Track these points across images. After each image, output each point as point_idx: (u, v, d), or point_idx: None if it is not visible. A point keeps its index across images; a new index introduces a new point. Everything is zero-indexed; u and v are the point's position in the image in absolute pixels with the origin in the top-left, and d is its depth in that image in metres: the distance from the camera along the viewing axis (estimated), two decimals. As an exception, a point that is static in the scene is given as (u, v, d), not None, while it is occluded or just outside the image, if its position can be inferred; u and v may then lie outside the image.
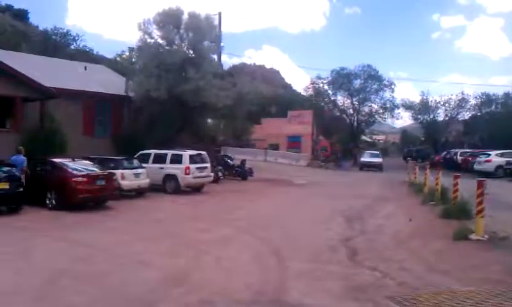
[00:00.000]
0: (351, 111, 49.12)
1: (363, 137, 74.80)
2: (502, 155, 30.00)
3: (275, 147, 41.61)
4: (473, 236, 9.79)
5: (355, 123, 49.64)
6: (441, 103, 49.09)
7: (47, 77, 20.24)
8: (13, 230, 10.75)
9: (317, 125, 52.43)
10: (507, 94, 50.97)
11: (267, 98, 57.06)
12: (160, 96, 22.30)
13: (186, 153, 18.19)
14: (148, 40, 24.78)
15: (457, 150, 39.62)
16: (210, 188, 19.83)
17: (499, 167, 28.90)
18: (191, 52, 24.35)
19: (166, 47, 24.24)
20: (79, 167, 14.27)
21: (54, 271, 7.32)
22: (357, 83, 47.82)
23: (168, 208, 15.08)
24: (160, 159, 18.50)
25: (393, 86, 47.62)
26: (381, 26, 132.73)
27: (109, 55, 55.78)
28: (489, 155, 30.61)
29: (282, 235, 10.77)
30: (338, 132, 54.46)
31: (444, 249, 9.41)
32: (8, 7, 51.23)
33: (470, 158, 33.46)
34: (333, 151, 54.67)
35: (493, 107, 50.41)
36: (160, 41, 24.67)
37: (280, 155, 38.59)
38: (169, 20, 24.39)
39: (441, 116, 50.33)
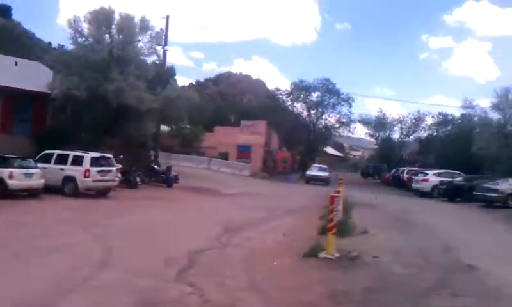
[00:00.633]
0: (309, 123, 49.09)
1: (330, 150, 75.21)
2: (439, 175, 29.97)
3: (224, 156, 41.06)
4: (322, 255, 9.29)
5: (312, 136, 49.57)
6: (398, 121, 49.38)
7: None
8: None
9: (280, 136, 52.32)
10: (463, 115, 51.33)
11: (229, 105, 56.80)
12: (81, 95, 21.56)
13: (88, 155, 17.41)
14: (79, 39, 24.12)
15: (404, 168, 39.62)
16: (122, 194, 19.09)
17: (435, 186, 28.78)
18: (120, 52, 23.67)
19: (95, 46, 23.55)
20: None
21: None
22: (316, 96, 47.81)
23: (48, 211, 14.28)
24: (62, 160, 17.66)
25: (350, 101, 47.83)
26: (370, 43, 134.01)
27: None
28: (427, 174, 30.54)
29: (134, 243, 10.19)
30: (300, 144, 54.49)
31: (284, 266, 8.92)
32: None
33: (413, 177, 33.40)
34: (293, 163, 54.87)
35: (449, 127, 50.63)
36: (90, 39, 23.99)
37: (224, 164, 38.05)
38: (100, 19, 23.73)
39: (397, 134, 50.63)
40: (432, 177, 29.86)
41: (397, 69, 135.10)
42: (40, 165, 16.83)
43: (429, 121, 50.56)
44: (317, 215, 16.44)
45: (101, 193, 18.17)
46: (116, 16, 23.99)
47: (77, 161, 17.35)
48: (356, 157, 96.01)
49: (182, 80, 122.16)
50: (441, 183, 28.04)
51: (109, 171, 17.99)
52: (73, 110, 22.70)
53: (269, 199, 22.25)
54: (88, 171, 17.02)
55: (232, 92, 69.78)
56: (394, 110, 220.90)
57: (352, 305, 6.81)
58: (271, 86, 56.55)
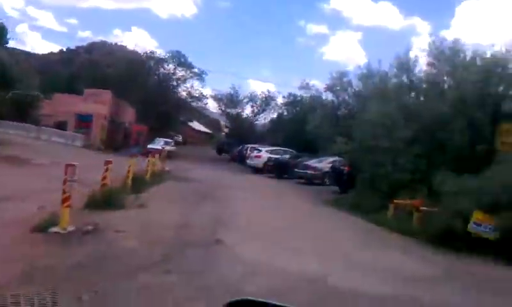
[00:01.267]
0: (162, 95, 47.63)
1: (198, 126, 74.31)
2: (271, 152, 31.02)
3: (62, 125, 37.97)
4: (53, 229, 8.43)
5: (166, 108, 48.22)
6: (249, 98, 50.25)
7: None
8: None
9: (137, 109, 49.97)
10: (313, 97, 53.76)
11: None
12: None
13: None
14: None
15: (248, 145, 40.49)
16: None
17: (266, 163, 29.72)
18: None
19: None
20: None
21: None
22: (168, 69, 46.46)
23: None
24: None
25: (203, 75, 47.41)
26: (250, 22, 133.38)
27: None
28: (260, 150, 31.42)
29: None
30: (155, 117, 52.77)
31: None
32: None
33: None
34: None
35: (298, 107, 52.61)
36: None
37: (56, 133, 35.34)
38: None
39: (248, 111, 51.55)
40: (265, 154, 30.83)
41: (275, 51, 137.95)
42: None
43: (279, 100, 52.25)
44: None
45: None
46: None
47: None
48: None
49: (51, 47, 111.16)
50: (269, 159, 29.02)
51: None
52: None
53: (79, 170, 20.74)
54: None
55: (105, 61, 64.95)
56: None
57: (47, 282, 6.07)
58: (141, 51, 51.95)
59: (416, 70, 19.02)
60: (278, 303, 1.96)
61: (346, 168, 20.91)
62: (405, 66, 18.86)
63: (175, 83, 46.11)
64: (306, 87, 37.85)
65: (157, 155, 26.43)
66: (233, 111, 50.90)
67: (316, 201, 18.69)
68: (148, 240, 8.73)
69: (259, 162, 30.00)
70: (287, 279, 7.28)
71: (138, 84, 46.16)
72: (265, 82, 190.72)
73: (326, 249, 9.99)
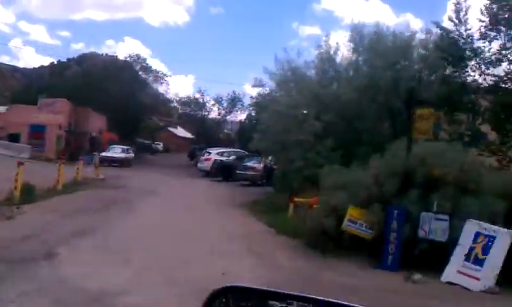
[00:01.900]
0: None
1: (182, 132, 72.82)
2: (222, 154, 29.92)
3: (15, 137, 36.82)
4: None
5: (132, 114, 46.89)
6: (215, 101, 49.10)
7: None
8: None
9: (109, 117, 48.83)
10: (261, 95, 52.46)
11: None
12: None
13: None
14: None
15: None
16: None
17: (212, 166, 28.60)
18: None
19: None
20: None
21: None
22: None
23: None
24: None
25: (166, 78, 46.40)
26: (243, 29, 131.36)
27: None
28: (210, 153, 30.33)
29: None
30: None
31: None
32: None
33: (209, 157, 33.06)
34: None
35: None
36: None
37: (3, 145, 34.27)
38: None
39: (215, 114, 50.37)
40: (215, 156, 29.69)
41: (269, 55, 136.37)
42: None
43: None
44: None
45: None
46: None
47: None
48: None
49: (42, 60, 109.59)
50: (215, 162, 27.90)
51: None
52: None
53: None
54: None
55: (96, 72, 63.28)
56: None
57: None
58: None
59: (338, 58, 17.93)
60: (268, 289, 1.99)
61: (276, 166, 19.79)
62: (325, 55, 17.75)
63: (138, 87, 44.82)
64: (259, 84, 36.40)
65: (95, 163, 25.52)
66: (198, 114, 49.69)
67: (231, 205, 17.56)
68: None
69: (207, 166, 28.84)
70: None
71: (107, 92, 44.94)
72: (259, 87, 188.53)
73: (168, 262, 8.79)
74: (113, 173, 29.15)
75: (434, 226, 8.67)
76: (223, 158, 27.80)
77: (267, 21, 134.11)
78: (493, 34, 13.38)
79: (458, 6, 14.16)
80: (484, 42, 13.42)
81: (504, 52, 13.02)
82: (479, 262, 7.98)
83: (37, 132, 37.25)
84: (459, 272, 8.14)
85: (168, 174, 31.00)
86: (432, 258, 8.52)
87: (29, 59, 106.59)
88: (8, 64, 60.87)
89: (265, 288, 2.00)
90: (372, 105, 15.37)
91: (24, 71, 66.89)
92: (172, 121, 64.23)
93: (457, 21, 14.17)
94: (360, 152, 14.37)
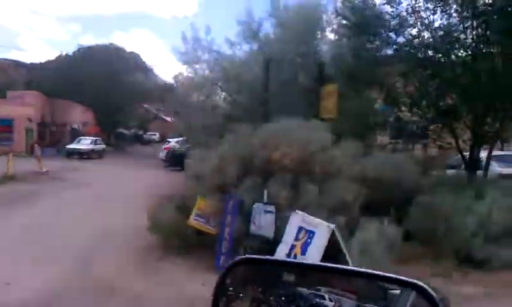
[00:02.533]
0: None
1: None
2: (179, 143, 28.73)
3: (-18, 132, 36.10)
4: None
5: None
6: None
7: None
8: None
9: (94, 109, 47.88)
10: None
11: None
12: None
13: None
14: None
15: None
16: None
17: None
18: None
19: None
20: None
21: None
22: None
23: None
24: None
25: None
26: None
27: None
28: (169, 142, 29.21)
29: None
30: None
31: None
32: None
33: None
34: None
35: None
36: None
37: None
38: None
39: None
40: (172, 145, 28.55)
41: None
42: None
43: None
44: None
45: None
46: None
47: None
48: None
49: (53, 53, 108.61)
50: (169, 151, 26.77)
51: None
52: None
53: None
54: None
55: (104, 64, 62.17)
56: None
57: None
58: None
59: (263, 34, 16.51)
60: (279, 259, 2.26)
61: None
62: (248, 32, 16.38)
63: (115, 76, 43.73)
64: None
65: (37, 156, 24.55)
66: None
67: (147, 197, 16.37)
68: None
69: (164, 155, 27.70)
70: None
71: (89, 82, 43.73)
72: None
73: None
74: (71, 165, 28.21)
75: (263, 220, 7.35)
76: (177, 147, 26.59)
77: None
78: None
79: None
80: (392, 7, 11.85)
81: (409, 17, 11.46)
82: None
83: (4, 125, 36.43)
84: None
85: (134, 165, 29.81)
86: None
87: (38, 54, 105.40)
88: (7, 59, 59.68)
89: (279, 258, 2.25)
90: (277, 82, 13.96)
91: (29, 66, 66.20)
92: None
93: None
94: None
